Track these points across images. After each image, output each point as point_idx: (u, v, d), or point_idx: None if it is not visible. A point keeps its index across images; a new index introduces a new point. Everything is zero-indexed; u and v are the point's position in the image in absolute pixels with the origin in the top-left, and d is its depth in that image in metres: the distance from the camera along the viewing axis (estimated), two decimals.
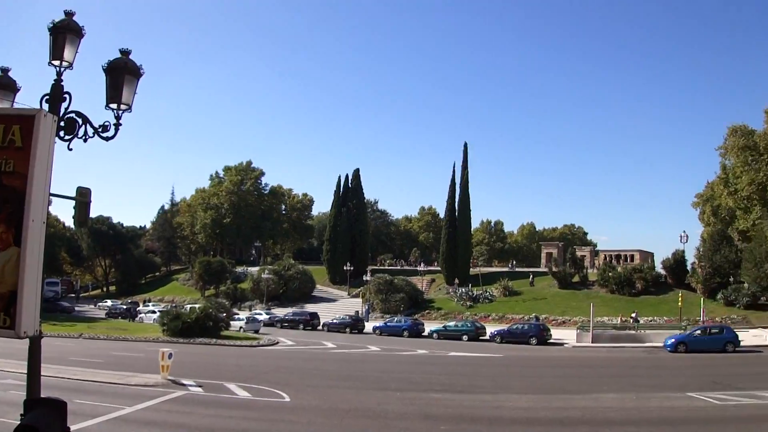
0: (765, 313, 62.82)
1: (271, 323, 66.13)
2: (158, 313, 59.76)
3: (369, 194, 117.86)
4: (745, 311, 63.59)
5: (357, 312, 73.65)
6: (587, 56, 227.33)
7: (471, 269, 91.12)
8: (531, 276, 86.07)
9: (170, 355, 24.88)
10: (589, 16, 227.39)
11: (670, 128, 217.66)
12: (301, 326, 65.05)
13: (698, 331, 45.73)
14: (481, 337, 54.47)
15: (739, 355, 40.89)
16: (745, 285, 65.86)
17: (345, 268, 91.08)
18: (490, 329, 56.60)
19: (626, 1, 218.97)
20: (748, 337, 52.57)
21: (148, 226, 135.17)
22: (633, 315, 61.97)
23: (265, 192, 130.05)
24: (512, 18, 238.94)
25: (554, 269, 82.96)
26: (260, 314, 69.75)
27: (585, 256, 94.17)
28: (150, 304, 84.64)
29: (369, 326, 63.88)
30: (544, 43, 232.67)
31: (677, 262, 75.21)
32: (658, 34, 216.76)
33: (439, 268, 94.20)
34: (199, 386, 23.43)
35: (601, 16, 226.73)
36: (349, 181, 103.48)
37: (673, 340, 44.54)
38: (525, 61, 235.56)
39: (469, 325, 57.18)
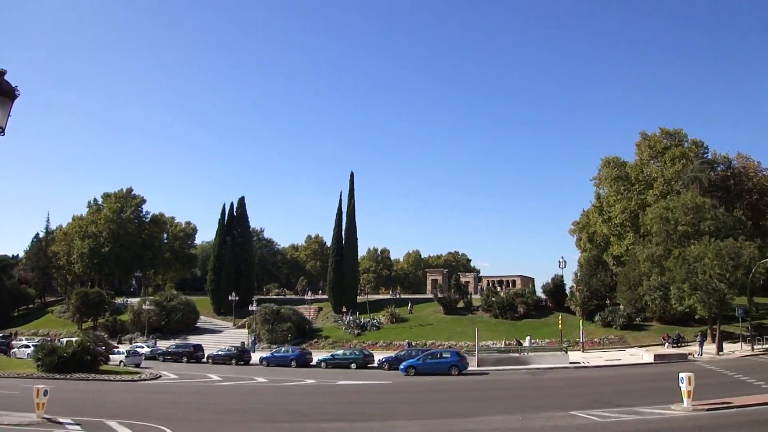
0: (640, 333, 66.74)
1: (153, 356, 63.66)
2: (32, 348, 56.48)
3: (255, 223, 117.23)
4: (622, 331, 67.19)
5: (243, 343, 72.19)
6: (467, 84, 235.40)
7: (358, 297, 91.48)
8: (410, 304, 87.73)
9: (45, 392, 23.43)
10: (473, 44, 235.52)
11: (549, 158, 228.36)
12: (185, 359, 62.96)
13: (429, 356, 48.25)
14: (369, 365, 54.55)
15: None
16: (621, 307, 69.66)
17: (230, 298, 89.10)
18: (379, 356, 56.99)
19: (509, 29, 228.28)
20: (625, 356, 55.32)
21: (21, 255, 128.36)
22: (528, 338, 63.51)
23: (146, 220, 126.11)
24: (394, 46, 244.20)
25: (439, 295, 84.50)
26: (141, 347, 67.27)
27: (469, 282, 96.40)
28: (23, 338, 79.91)
29: (256, 357, 62.65)
30: (423, 73, 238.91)
31: (556, 286, 78.48)
32: (539, 67, 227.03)
33: (326, 297, 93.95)
34: (78, 424, 22.15)
35: (487, 41, 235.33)
36: (234, 210, 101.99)
37: (404, 364, 47.40)
38: (407, 90, 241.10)
39: (357, 353, 57.27)
